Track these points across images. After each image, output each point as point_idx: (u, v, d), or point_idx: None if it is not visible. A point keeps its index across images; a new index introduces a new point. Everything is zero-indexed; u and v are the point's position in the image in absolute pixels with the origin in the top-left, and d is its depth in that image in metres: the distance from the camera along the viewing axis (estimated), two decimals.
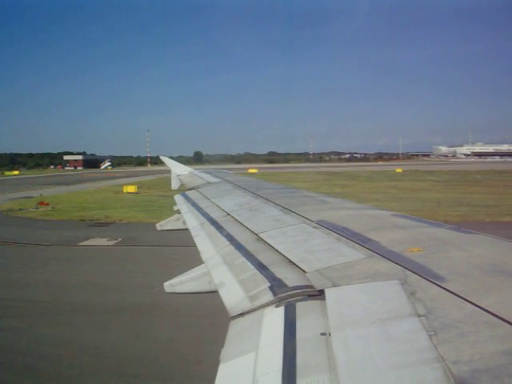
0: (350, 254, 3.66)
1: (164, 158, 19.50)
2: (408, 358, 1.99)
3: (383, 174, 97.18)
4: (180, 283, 4.68)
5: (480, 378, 1.74)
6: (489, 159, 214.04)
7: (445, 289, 2.64)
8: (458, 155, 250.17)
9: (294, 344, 2.31)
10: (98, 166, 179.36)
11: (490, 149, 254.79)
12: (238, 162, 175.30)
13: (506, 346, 1.94)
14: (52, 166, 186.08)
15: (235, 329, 2.89)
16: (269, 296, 3.09)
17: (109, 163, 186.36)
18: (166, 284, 4.72)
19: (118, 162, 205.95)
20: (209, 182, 12.12)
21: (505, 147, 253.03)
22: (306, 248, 4.02)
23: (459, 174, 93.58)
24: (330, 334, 2.31)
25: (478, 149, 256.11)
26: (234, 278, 3.74)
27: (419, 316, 2.32)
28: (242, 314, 3.04)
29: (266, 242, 4.52)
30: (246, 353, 2.46)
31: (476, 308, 2.34)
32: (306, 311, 2.70)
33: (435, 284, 2.74)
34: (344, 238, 4.16)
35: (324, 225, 4.83)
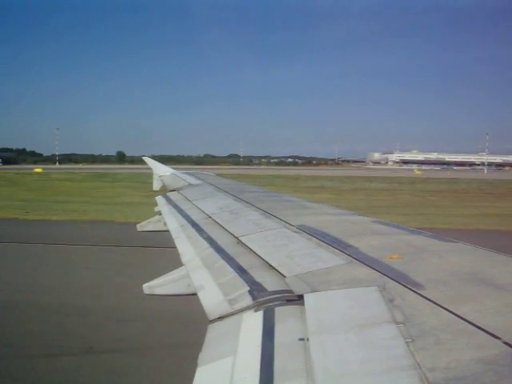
0: (330, 259, 3.67)
1: (146, 159, 19.19)
2: (385, 364, 1.99)
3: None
4: (159, 285, 4.65)
5: None
6: (404, 167, 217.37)
7: (423, 296, 2.66)
8: (389, 162, 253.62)
9: (272, 349, 2.31)
10: None
11: (420, 157, 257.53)
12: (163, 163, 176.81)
13: (482, 354, 1.96)
14: None
15: (213, 332, 2.87)
16: (248, 300, 3.08)
17: None
18: (145, 286, 4.69)
19: (38, 159, 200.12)
20: (190, 184, 12.08)
21: (434, 155, 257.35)
22: (286, 252, 4.02)
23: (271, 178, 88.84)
24: (308, 340, 2.31)
25: (408, 156, 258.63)
26: (213, 281, 3.73)
27: (397, 323, 2.34)
28: (220, 318, 3.03)
29: (246, 246, 4.51)
30: (223, 357, 2.45)
31: (453, 316, 2.36)
32: (284, 316, 2.70)
33: (413, 291, 2.76)
34: (324, 244, 4.17)
35: (304, 230, 4.84)
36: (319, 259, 3.69)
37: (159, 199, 10.01)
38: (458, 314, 2.38)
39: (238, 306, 3.06)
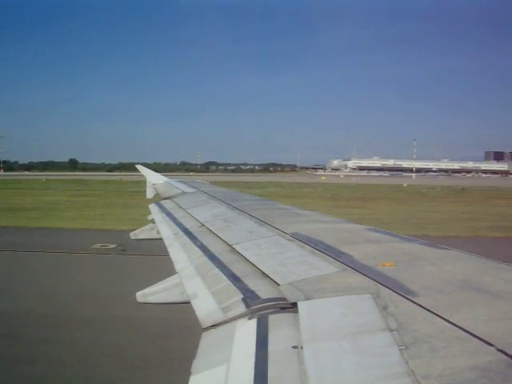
0: (324, 267, 3.67)
1: (139, 167, 19.18)
2: (379, 372, 1.99)
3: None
4: (153, 293, 4.63)
5: None
6: (359, 173, 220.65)
7: (416, 303, 2.66)
8: (347, 168, 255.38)
9: (266, 357, 2.29)
10: None
11: (377, 163, 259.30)
12: (110, 171, 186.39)
13: (476, 361, 1.95)
14: None
15: (207, 340, 2.86)
16: (241, 308, 3.07)
17: None
18: (138, 294, 4.66)
19: None
20: (184, 192, 12.06)
21: (391, 162, 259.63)
22: (280, 260, 4.02)
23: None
24: (301, 347, 2.31)
25: (365, 163, 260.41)
26: (206, 290, 3.71)
27: (391, 330, 2.33)
28: (214, 326, 3.01)
29: (239, 254, 4.50)
30: (217, 365, 2.44)
31: (447, 323, 2.36)
32: (278, 324, 2.69)
33: (407, 299, 2.76)
34: (317, 251, 4.17)
35: (298, 237, 4.84)
36: (313, 267, 3.69)
37: (152, 207, 9.98)
38: (452, 321, 2.38)
39: (231, 314, 3.05)
